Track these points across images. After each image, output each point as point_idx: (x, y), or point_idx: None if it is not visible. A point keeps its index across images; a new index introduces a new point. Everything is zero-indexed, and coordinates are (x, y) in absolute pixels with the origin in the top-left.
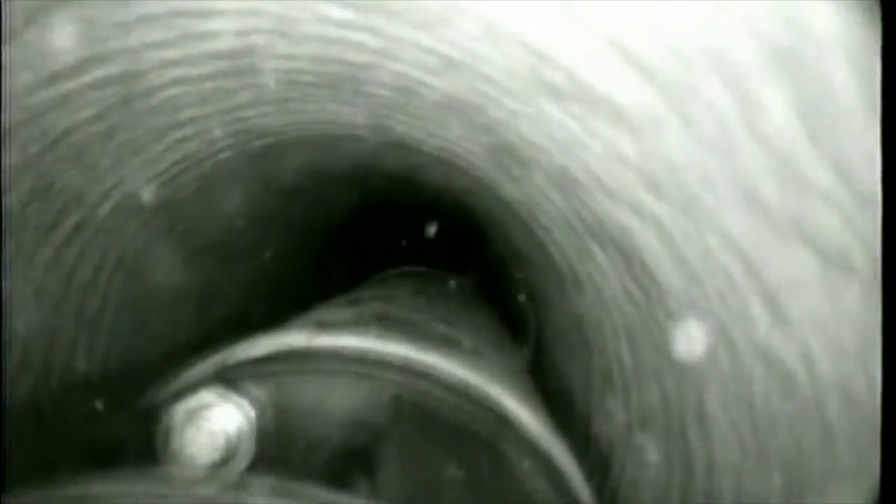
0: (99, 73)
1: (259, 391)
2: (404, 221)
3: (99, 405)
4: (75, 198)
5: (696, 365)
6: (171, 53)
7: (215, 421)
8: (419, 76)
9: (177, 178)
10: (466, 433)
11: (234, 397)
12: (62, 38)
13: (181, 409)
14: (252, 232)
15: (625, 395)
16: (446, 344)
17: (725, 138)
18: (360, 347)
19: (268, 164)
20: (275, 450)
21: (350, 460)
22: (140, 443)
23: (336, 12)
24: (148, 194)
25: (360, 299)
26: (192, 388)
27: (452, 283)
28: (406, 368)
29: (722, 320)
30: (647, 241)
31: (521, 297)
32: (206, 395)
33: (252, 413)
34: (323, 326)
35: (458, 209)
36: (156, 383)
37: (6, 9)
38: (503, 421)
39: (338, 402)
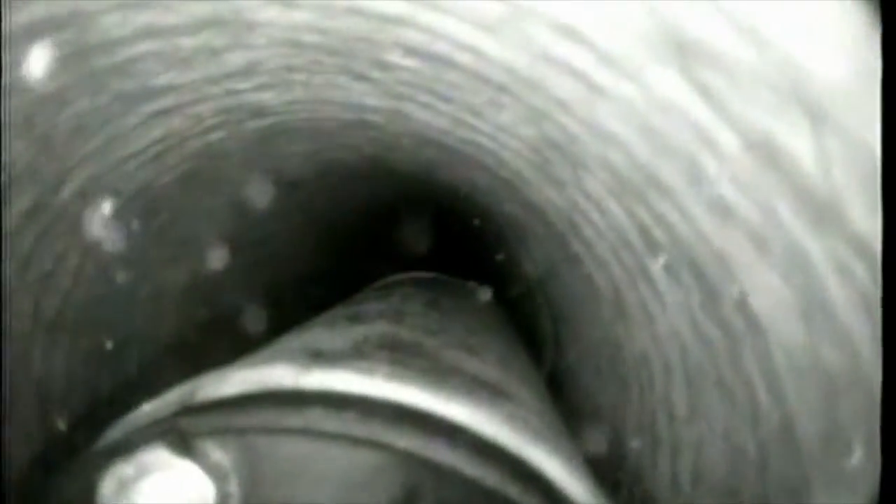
0: (39, 12)
1: (221, 456)
2: (414, 223)
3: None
4: (26, 174)
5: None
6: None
7: (155, 498)
8: (458, 40)
9: (157, 159)
10: None
11: (186, 465)
12: None
13: (112, 476)
14: (245, 226)
15: (674, 449)
16: (473, 385)
17: None
18: (365, 395)
19: (267, 150)
20: None
21: None
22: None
23: None
24: (120, 177)
25: (364, 315)
26: (133, 443)
27: (466, 293)
28: (429, 429)
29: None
30: (765, 279)
31: (542, 313)
32: (146, 460)
33: (211, 491)
34: (316, 357)
35: (475, 213)
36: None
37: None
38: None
39: (331, 481)
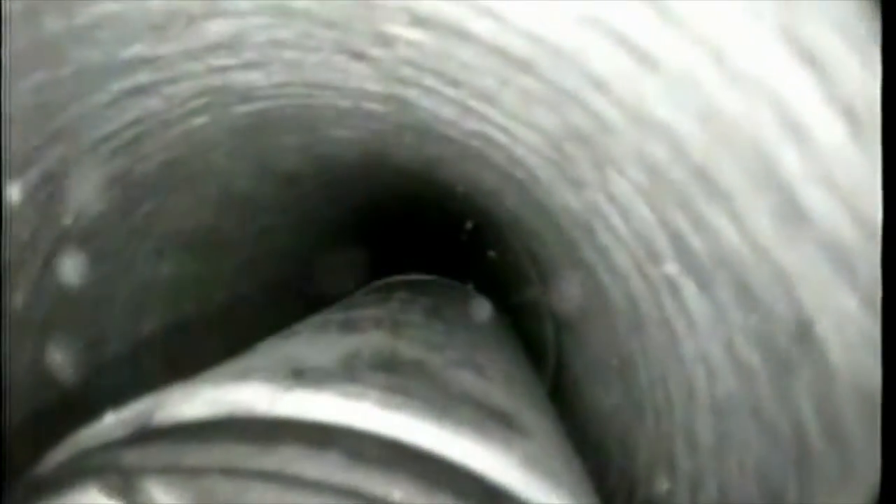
0: None
1: (168, 501)
2: (414, 223)
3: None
4: None
5: None
6: None
7: None
8: (475, 2)
9: (134, 143)
10: None
11: None
12: None
13: None
14: (238, 220)
15: (694, 483)
16: (481, 415)
17: None
18: (353, 428)
19: (259, 141)
20: None
21: None
22: None
23: None
24: (93, 161)
25: (359, 322)
26: (63, 480)
27: (467, 298)
28: (431, 476)
29: None
30: (841, 304)
31: (544, 320)
32: (75, 502)
33: None
34: (298, 375)
35: (477, 213)
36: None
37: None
38: None
39: None
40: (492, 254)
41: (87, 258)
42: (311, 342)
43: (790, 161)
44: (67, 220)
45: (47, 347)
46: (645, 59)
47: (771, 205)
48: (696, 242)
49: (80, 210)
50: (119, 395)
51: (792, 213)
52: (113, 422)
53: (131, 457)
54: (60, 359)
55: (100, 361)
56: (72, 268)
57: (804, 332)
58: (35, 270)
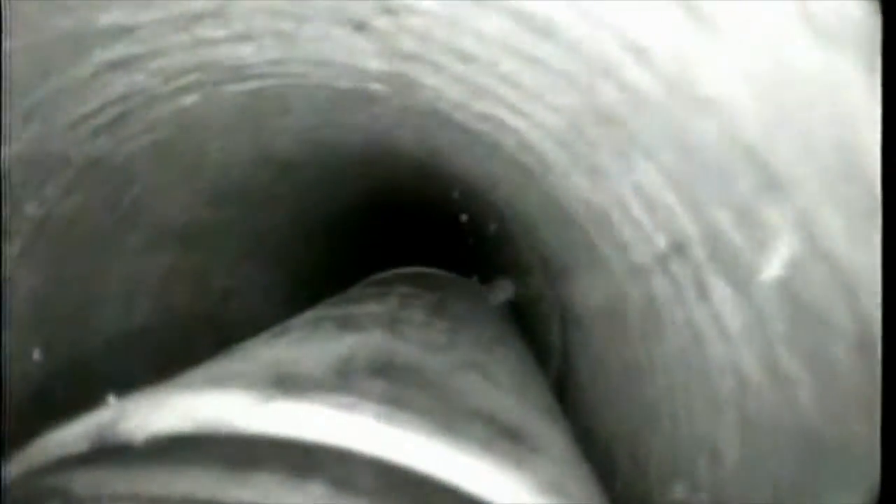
0: None
1: None
2: (417, 214)
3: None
4: None
5: None
6: None
7: None
8: None
9: (117, 123)
10: None
11: None
12: None
13: None
14: (232, 209)
15: (715, 499)
16: (491, 431)
17: None
18: (344, 449)
19: (254, 124)
20: None
21: None
22: None
23: None
24: (72, 141)
25: (356, 319)
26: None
27: (471, 292)
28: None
29: None
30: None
31: (551, 317)
32: None
33: None
34: (283, 383)
35: (485, 204)
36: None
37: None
38: None
39: None
40: (497, 246)
41: (69, 248)
42: (303, 342)
43: (874, 148)
44: (45, 207)
45: (30, 341)
46: (702, 21)
47: (842, 197)
48: (737, 238)
49: (58, 196)
50: (107, 392)
51: (868, 207)
52: (72, 432)
53: (84, 480)
54: (45, 353)
55: (87, 356)
56: (53, 257)
57: (865, 342)
58: (11, 261)
